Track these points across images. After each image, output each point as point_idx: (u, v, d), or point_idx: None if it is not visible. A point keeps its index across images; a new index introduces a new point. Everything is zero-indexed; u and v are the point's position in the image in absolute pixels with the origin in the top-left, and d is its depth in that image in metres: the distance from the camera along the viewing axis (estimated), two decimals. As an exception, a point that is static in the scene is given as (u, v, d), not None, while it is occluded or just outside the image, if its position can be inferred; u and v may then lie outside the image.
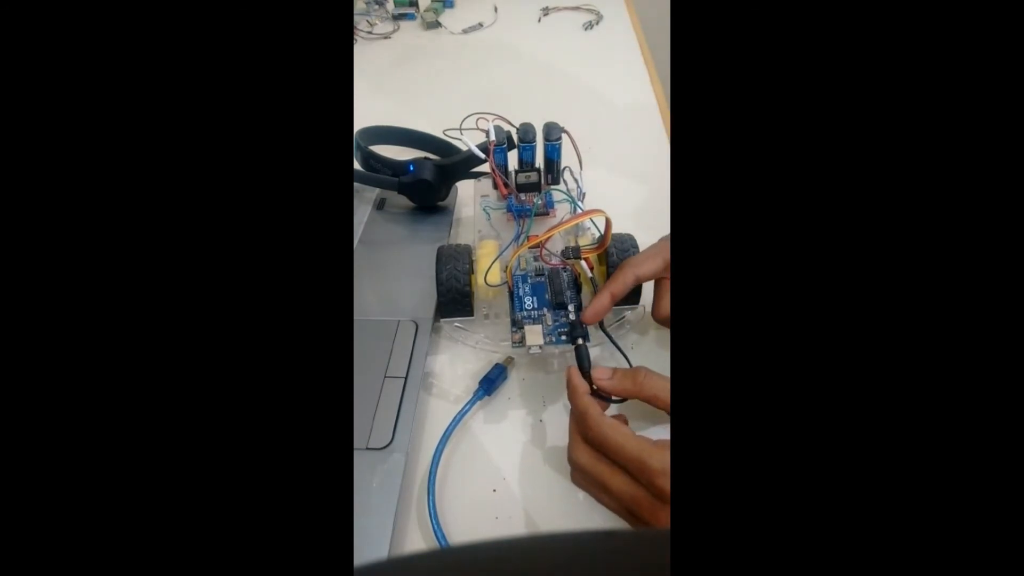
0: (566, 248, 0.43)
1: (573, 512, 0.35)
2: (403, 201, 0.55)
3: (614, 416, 0.35)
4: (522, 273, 0.44)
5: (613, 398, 0.35)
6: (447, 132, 0.53)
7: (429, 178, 0.52)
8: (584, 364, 0.37)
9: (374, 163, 0.53)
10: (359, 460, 0.35)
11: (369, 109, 0.51)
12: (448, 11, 0.93)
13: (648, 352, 0.43)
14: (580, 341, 0.38)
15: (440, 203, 0.55)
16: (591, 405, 0.33)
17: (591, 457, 0.33)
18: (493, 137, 0.47)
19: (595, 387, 0.35)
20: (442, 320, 0.43)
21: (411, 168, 0.52)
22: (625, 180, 0.59)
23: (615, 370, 0.35)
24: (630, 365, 0.39)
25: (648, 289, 0.43)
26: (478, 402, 0.40)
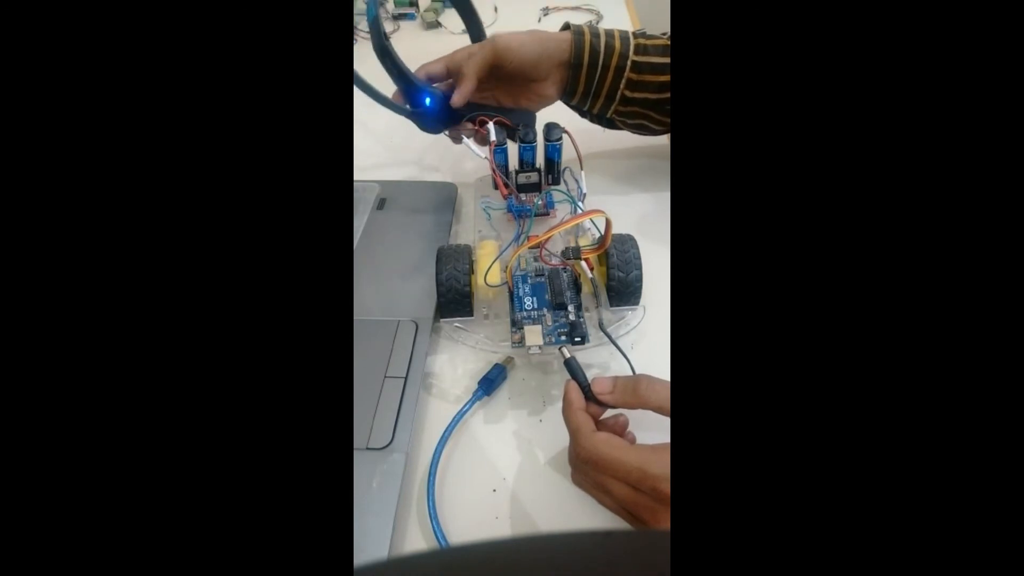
0: (566, 248, 0.43)
1: (573, 512, 0.35)
2: (403, 202, 0.55)
3: (613, 418, 0.36)
4: (522, 273, 0.44)
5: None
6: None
7: (441, 114, 0.50)
8: (579, 377, 0.36)
9: (388, 62, 0.48)
10: (359, 460, 0.35)
11: (369, 109, 0.51)
12: (448, 11, 0.93)
13: (649, 352, 0.43)
14: (568, 354, 0.37)
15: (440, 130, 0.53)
16: (584, 423, 0.33)
17: (589, 476, 0.32)
18: (493, 137, 0.47)
19: (594, 398, 0.35)
20: (442, 320, 0.43)
21: (430, 99, 0.50)
22: (625, 181, 0.59)
23: (616, 381, 0.35)
24: (631, 366, 0.39)
25: (649, 289, 0.43)
26: (477, 402, 0.40)
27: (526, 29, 0.51)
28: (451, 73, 0.51)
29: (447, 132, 0.52)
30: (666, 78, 0.50)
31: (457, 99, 0.49)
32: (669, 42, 0.50)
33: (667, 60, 0.49)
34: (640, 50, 0.49)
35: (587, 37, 0.49)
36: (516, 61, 0.49)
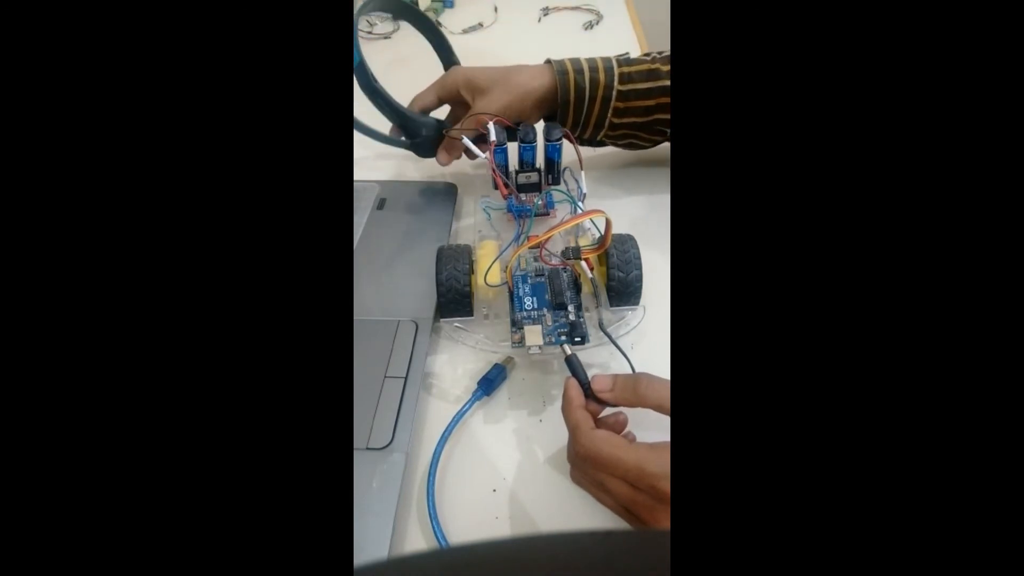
0: (566, 248, 0.43)
1: (573, 512, 0.35)
2: (403, 202, 0.55)
3: (612, 416, 0.36)
4: (522, 273, 0.44)
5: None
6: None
7: (432, 137, 0.53)
8: (579, 375, 0.36)
9: (379, 99, 0.51)
10: (359, 460, 0.35)
11: (369, 109, 0.51)
12: (448, 11, 0.93)
13: (649, 352, 0.43)
14: (570, 351, 0.37)
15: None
16: (583, 420, 0.33)
17: (587, 474, 0.32)
18: (493, 137, 0.47)
19: (593, 396, 0.35)
20: (442, 320, 0.43)
21: (425, 129, 0.53)
22: (626, 181, 0.59)
23: (615, 379, 0.35)
24: (631, 365, 0.39)
25: (649, 289, 0.43)
26: (477, 402, 0.40)
27: (503, 64, 0.53)
28: (442, 99, 0.54)
29: (437, 157, 0.55)
30: (652, 102, 0.51)
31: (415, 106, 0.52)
32: (653, 65, 0.51)
33: (651, 84, 0.50)
34: (624, 78, 0.51)
35: (571, 76, 0.50)
36: (486, 106, 0.50)
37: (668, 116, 0.52)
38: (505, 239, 0.47)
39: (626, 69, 0.51)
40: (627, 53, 0.53)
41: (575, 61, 0.51)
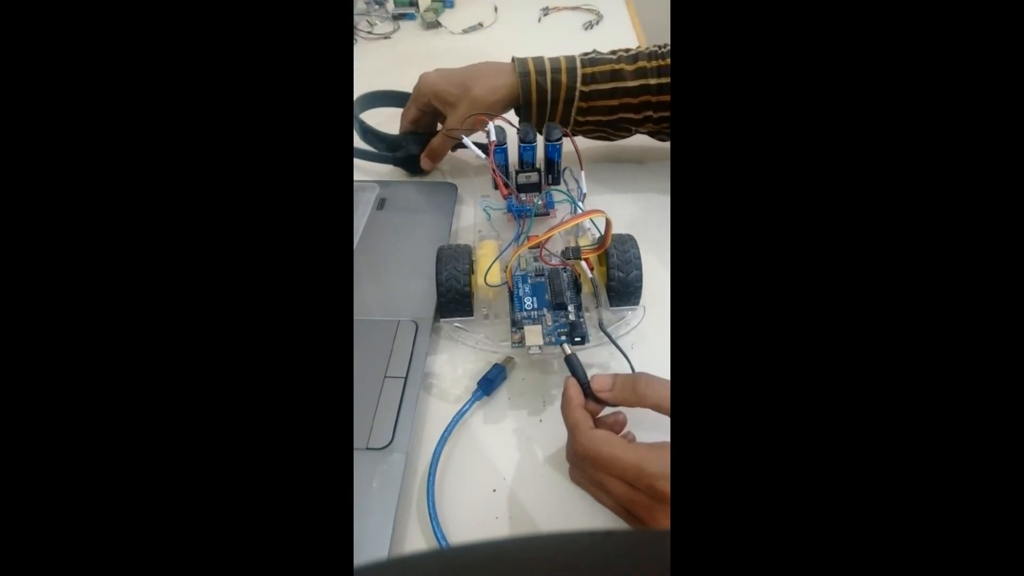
0: (566, 248, 0.43)
1: (573, 512, 0.35)
2: (403, 202, 0.55)
3: (611, 415, 0.36)
4: (522, 273, 0.44)
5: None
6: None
7: (416, 152, 0.58)
8: (578, 374, 0.36)
9: (370, 137, 0.59)
10: (359, 460, 0.35)
11: (369, 109, 0.52)
12: (448, 11, 0.93)
13: (649, 352, 0.43)
14: (570, 351, 0.37)
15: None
16: (582, 420, 0.33)
17: (586, 473, 0.33)
18: (493, 137, 0.47)
19: (593, 396, 0.35)
20: (442, 320, 0.43)
21: (415, 147, 0.58)
22: (625, 181, 0.59)
23: (615, 378, 0.35)
24: (631, 365, 0.39)
25: (649, 289, 0.43)
26: (477, 402, 0.40)
27: (472, 62, 0.55)
28: (421, 111, 0.56)
29: (420, 164, 0.58)
30: (615, 102, 0.52)
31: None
32: (617, 65, 0.52)
33: (615, 85, 0.51)
34: (587, 79, 0.51)
35: (532, 76, 0.51)
36: (455, 122, 0.52)
37: (633, 115, 0.53)
38: (505, 239, 0.47)
39: (589, 70, 0.51)
40: (594, 51, 0.54)
41: (538, 61, 0.52)
